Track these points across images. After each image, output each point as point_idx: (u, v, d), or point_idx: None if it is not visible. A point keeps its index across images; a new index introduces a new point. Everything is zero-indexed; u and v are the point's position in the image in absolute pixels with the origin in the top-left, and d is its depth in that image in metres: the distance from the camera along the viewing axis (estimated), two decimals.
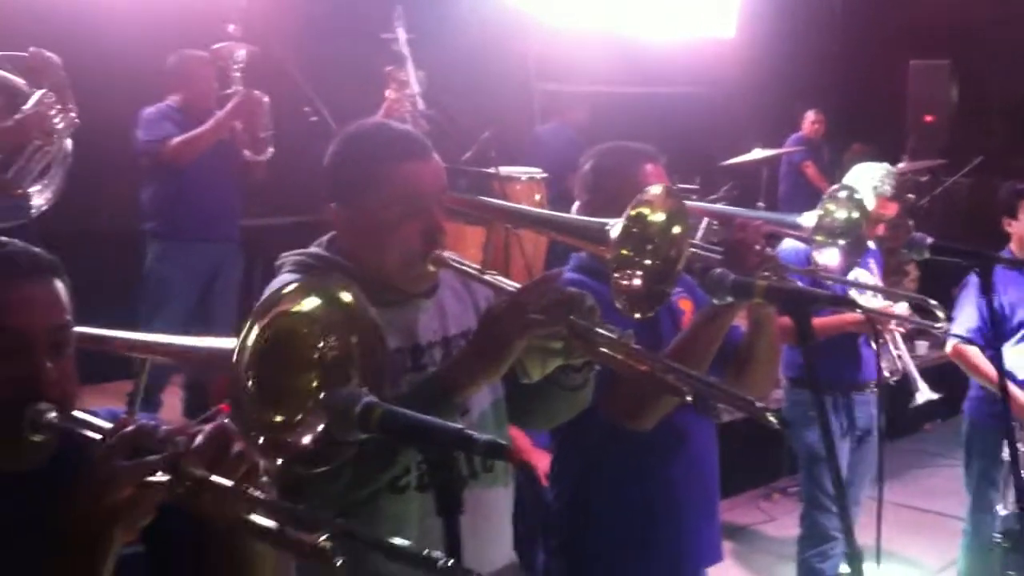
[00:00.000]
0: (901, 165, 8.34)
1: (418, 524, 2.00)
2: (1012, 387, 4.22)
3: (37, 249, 1.57)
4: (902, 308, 4.28)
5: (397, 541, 1.29)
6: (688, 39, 10.11)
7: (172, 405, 5.47)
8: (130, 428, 1.38)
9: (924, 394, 4.54)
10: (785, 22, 11.12)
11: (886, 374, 4.27)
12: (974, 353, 4.32)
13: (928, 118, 10.59)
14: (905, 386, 4.51)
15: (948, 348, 4.43)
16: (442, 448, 1.38)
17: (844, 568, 4.23)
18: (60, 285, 1.56)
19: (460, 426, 1.40)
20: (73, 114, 4.21)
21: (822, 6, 11.58)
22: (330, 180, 2.08)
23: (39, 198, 4.24)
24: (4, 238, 1.57)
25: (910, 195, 8.12)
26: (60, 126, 4.16)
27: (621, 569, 2.57)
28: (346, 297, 1.52)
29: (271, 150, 5.51)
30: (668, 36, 9.97)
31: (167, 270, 5.43)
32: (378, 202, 2.00)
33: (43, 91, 4.11)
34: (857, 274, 4.08)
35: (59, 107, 4.17)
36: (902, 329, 4.48)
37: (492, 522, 2.13)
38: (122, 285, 5.45)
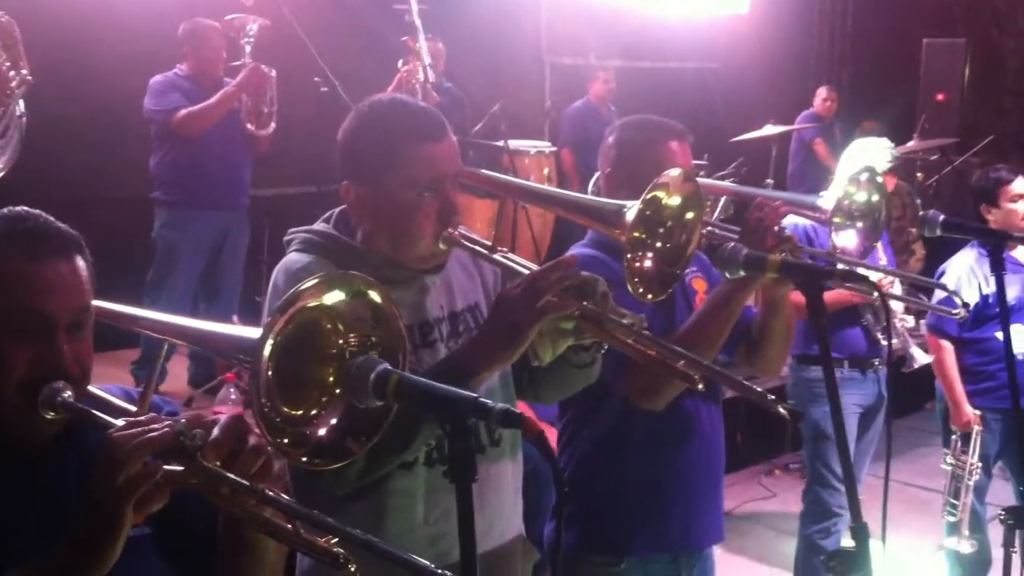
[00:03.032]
0: (911, 143, 8.29)
1: (424, 498, 2.02)
2: (959, 396, 4.29)
3: (61, 225, 1.54)
4: (897, 289, 4.31)
5: (415, 558, 1.29)
6: (701, 14, 10.06)
7: (178, 375, 5.50)
8: (142, 419, 1.38)
9: (920, 358, 4.57)
10: None
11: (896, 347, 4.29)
12: (948, 351, 4.36)
13: (940, 97, 10.52)
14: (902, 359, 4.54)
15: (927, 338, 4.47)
16: (457, 416, 1.38)
17: (846, 542, 4.26)
18: (82, 263, 1.53)
19: (475, 394, 1.41)
20: (25, 72, 4.11)
21: None
22: (344, 158, 2.05)
23: None
24: (27, 210, 1.54)
25: (919, 174, 8.08)
26: (13, 85, 4.08)
27: (630, 544, 2.60)
28: (375, 296, 1.51)
29: (274, 125, 5.51)
30: (681, 11, 9.92)
31: (174, 237, 5.44)
32: (392, 183, 1.97)
33: None
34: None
35: (11, 68, 4.07)
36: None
37: (500, 495, 2.14)
38: (134, 252, 5.48)
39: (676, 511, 2.61)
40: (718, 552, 2.86)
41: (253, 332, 1.46)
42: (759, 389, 2.00)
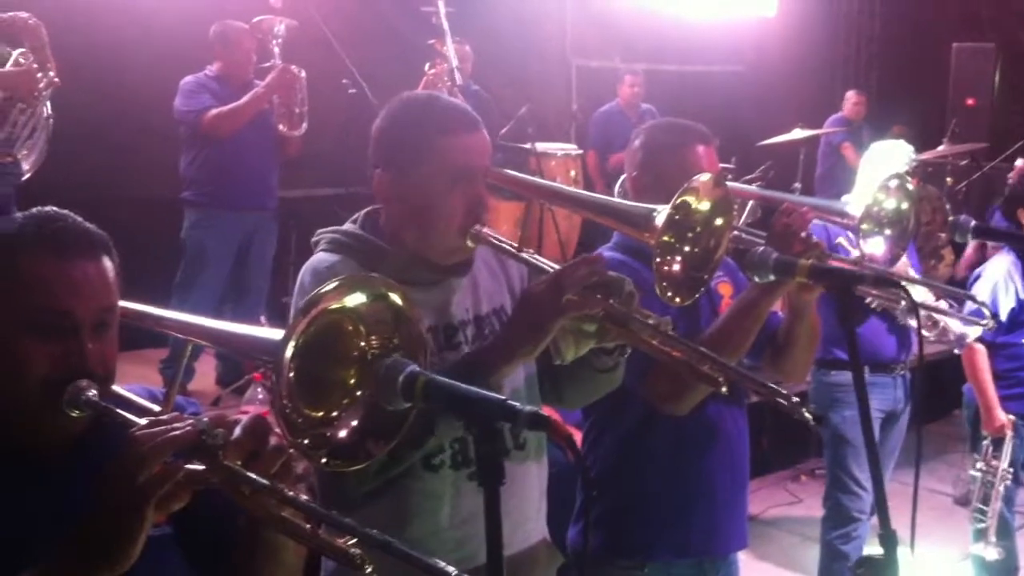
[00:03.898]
0: (941, 148, 8.23)
1: (450, 501, 2.02)
2: (992, 400, 4.24)
3: (89, 226, 1.55)
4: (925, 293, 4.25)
5: (432, 561, 1.29)
6: (728, 17, 10.02)
7: (205, 373, 5.54)
8: (166, 419, 1.38)
9: (971, 332, 4.30)
10: (826, 2, 11.00)
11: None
12: (982, 354, 4.31)
13: (970, 101, 10.44)
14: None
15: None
16: (486, 418, 1.38)
17: (870, 549, 4.23)
18: (109, 264, 1.54)
19: (503, 397, 1.41)
20: (53, 74, 4.15)
21: None
22: (377, 146, 2.07)
23: (26, 163, 4.19)
24: (55, 210, 1.56)
25: (948, 179, 8.02)
26: (41, 87, 4.12)
27: (653, 549, 2.59)
28: (393, 297, 1.51)
29: (305, 125, 5.54)
30: (708, 14, 9.89)
31: (203, 238, 5.48)
32: (425, 172, 1.99)
33: (21, 50, 4.05)
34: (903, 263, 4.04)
35: (38, 69, 4.11)
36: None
37: (524, 499, 2.14)
38: (160, 252, 5.52)
39: (700, 517, 2.60)
40: (742, 558, 2.85)
41: (275, 334, 1.47)
42: (784, 391, 1.99)
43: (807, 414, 1.97)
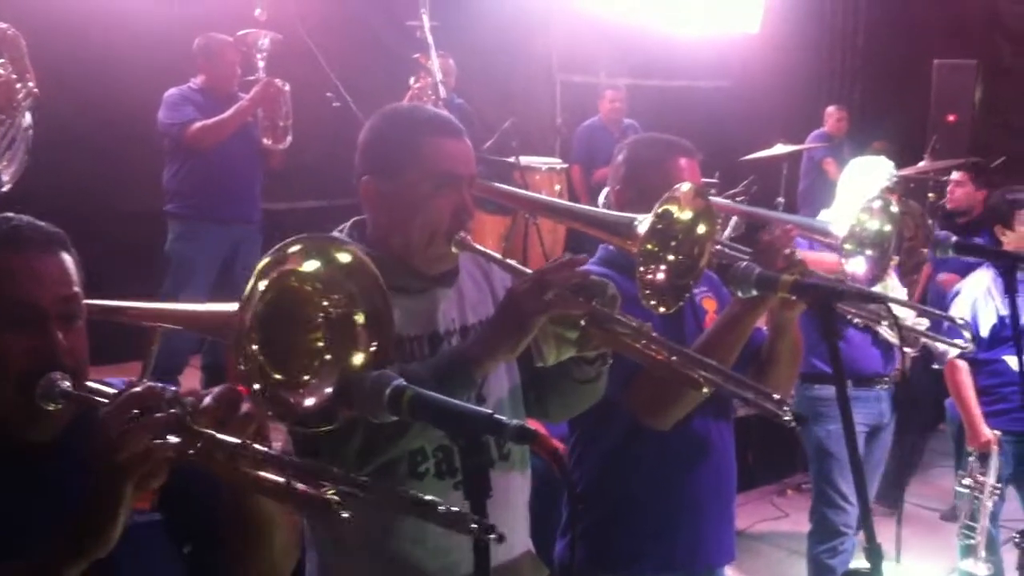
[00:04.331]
0: (922, 164, 8.28)
1: None
2: (976, 416, 4.26)
3: (42, 223, 1.59)
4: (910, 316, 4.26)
5: (410, 493, 1.30)
6: (712, 34, 10.07)
7: (191, 386, 5.50)
8: (138, 388, 1.40)
9: (949, 351, 4.31)
10: (810, 18, 11.06)
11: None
12: (964, 371, 4.32)
13: (951, 117, 10.51)
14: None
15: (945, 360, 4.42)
16: (472, 432, 1.39)
17: (856, 563, 4.23)
18: (67, 257, 1.58)
19: (489, 411, 1.41)
20: (32, 84, 4.15)
21: (848, 2, 11.51)
22: (363, 153, 2.10)
23: (5, 174, 4.19)
24: (11, 214, 1.59)
25: (931, 194, 8.07)
26: (19, 98, 4.12)
27: (639, 563, 2.59)
28: (344, 257, 1.55)
29: (289, 138, 5.54)
30: (693, 30, 9.94)
31: (187, 250, 5.47)
32: (409, 177, 2.01)
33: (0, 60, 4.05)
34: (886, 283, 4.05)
35: (17, 80, 4.10)
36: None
37: (508, 509, 2.13)
38: (145, 264, 5.50)
39: (686, 530, 2.60)
40: (729, 572, 2.85)
41: (235, 306, 1.49)
42: (765, 389, 2.01)
43: (787, 415, 1.97)
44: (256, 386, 1.44)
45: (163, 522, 1.58)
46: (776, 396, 1.99)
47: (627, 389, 2.38)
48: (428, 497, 1.30)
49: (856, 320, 3.97)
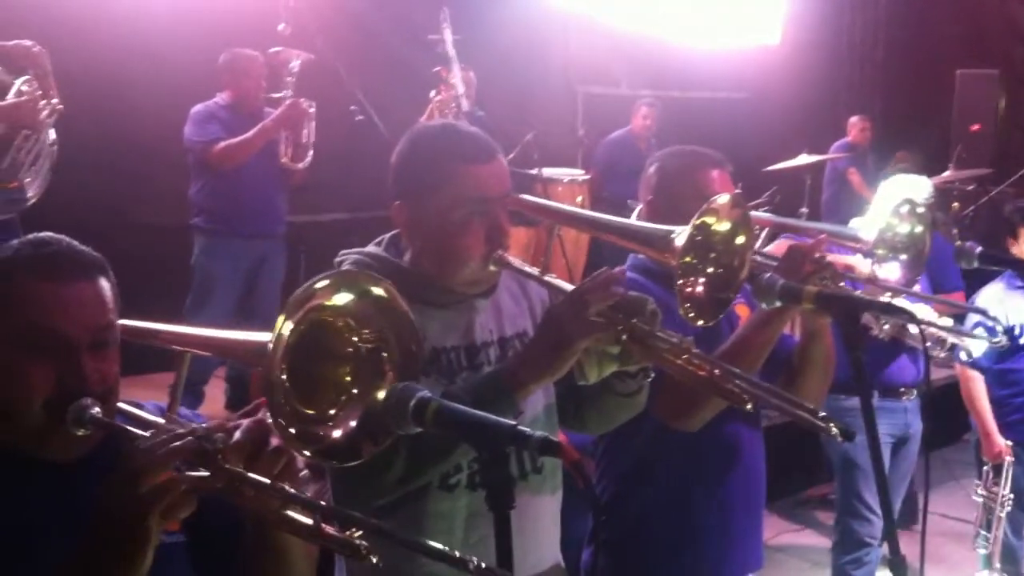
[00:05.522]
0: (946, 174, 8.25)
1: (464, 522, 2.01)
2: (990, 426, 4.24)
3: (83, 248, 1.59)
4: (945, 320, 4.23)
5: (431, 543, 1.30)
6: (734, 46, 10.07)
7: (214, 397, 5.55)
8: (178, 443, 1.38)
9: (974, 347, 4.27)
10: (829, 29, 11.05)
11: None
12: (978, 381, 4.30)
13: (975, 127, 10.47)
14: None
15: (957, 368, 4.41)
16: (495, 444, 1.38)
17: (880, 574, 4.21)
18: (105, 284, 1.57)
19: (513, 422, 1.41)
20: (56, 101, 4.17)
21: (868, 13, 11.49)
22: (395, 178, 2.08)
23: (30, 190, 4.19)
24: (51, 235, 1.59)
25: (955, 204, 8.03)
26: (44, 115, 4.15)
27: (663, 571, 2.58)
28: (378, 291, 1.53)
29: (310, 157, 5.56)
30: (714, 42, 9.94)
31: (212, 264, 5.51)
32: (443, 203, 1.99)
33: (25, 78, 4.05)
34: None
35: (42, 96, 4.10)
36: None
37: (539, 524, 2.13)
38: (170, 278, 5.54)
39: (713, 540, 2.59)
40: None
41: (266, 336, 1.48)
42: (810, 405, 1.97)
43: (835, 430, 1.94)
44: (282, 421, 1.43)
45: (187, 544, 1.58)
46: (822, 413, 1.94)
47: (656, 397, 2.36)
48: (457, 553, 1.29)
49: (880, 335, 3.95)
